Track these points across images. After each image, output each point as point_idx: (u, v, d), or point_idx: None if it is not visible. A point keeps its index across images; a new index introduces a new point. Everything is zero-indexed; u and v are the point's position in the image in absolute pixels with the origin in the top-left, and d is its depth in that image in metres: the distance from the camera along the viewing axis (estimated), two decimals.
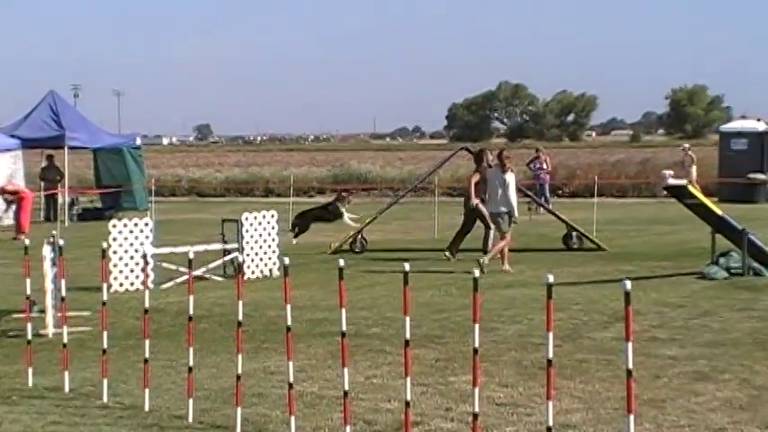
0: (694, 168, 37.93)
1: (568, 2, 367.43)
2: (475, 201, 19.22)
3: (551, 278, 6.29)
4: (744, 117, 43.85)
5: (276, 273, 17.35)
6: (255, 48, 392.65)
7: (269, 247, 17.63)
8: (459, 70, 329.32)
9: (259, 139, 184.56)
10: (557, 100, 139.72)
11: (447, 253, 19.33)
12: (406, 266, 6.85)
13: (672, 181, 17.98)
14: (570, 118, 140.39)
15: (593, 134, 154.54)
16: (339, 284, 7.16)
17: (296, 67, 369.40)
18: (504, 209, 17.74)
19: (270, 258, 17.64)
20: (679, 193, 17.62)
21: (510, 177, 17.81)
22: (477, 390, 6.63)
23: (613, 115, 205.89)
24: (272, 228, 17.77)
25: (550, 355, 6.24)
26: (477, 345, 6.64)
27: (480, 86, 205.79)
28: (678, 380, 9.18)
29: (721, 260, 16.39)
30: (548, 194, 33.43)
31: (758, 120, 40.20)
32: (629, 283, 5.99)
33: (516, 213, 17.97)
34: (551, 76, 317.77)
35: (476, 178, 19.22)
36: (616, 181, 41.52)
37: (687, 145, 42.60)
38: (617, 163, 48.72)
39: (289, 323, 7.42)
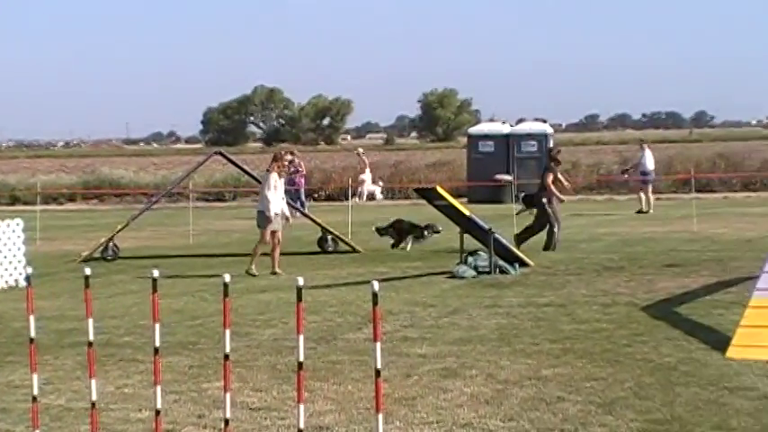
0: (368, 171, 39.87)
1: (321, 5, 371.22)
2: (561, 197, 20.32)
3: (301, 281, 6.30)
4: (492, 120, 45.42)
5: (23, 283, 16.72)
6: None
7: (14, 256, 16.98)
8: (213, 74, 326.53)
9: (4, 145, 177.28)
10: (312, 104, 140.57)
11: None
12: (155, 273, 6.73)
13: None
14: (326, 122, 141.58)
15: (349, 137, 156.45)
16: (85, 293, 6.95)
17: (42, 69, 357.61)
18: (260, 208, 17.78)
19: (15, 268, 16.98)
20: (429, 195, 18.07)
21: (268, 177, 17.78)
22: (228, 395, 6.57)
23: (368, 119, 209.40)
24: (18, 237, 17.12)
25: (301, 358, 6.26)
26: (228, 350, 6.58)
27: (236, 91, 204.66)
28: (428, 377, 9.40)
29: (470, 259, 16.92)
30: (303, 198, 33.64)
31: (503, 122, 41.76)
32: (376, 284, 6.05)
33: (270, 213, 17.66)
34: (306, 81, 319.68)
35: (551, 177, 19.98)
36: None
37: (361, 150, 44.62)
38: (371, 166, 49.50)
39: (32, 334, 7.14)
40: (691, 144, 63.08)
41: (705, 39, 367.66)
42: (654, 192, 31.92)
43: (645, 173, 31.30)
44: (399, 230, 22.01)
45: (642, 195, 30.86)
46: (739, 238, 21.53)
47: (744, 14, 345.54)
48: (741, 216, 26.88)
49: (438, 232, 21.69)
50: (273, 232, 17.68)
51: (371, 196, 41.00)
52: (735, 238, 21.57)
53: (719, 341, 10.42)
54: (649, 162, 31.31)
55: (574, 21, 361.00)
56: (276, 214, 17.62)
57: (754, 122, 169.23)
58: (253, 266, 17.42)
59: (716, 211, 29.18)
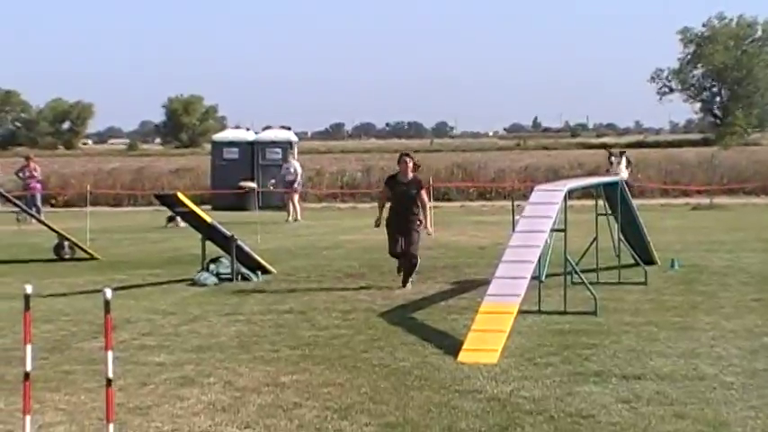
0: None
1: (59, 5, 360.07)
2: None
3: (29, 289, 6.12)
4: (237, 127, 45.31)
5: None
6: None
7: None
8: None
9: None
10: (50, 107, 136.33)
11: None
12: None
13: None
14: (65, 126, 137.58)
15: (90, 142, 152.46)
16: None
17: None
18: None
19: None
20: (169, 202, 17.84)
21: None
22: None
23: (111, 124, 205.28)
24: None
25: (29, 368, 6.08)
26: None
27: None
28: (164, 386, 9.26)
29: (211, 266, 16.81)
30: (39, 204, 32.57)
31: (248, 129, 41.77)
32: (109, 292, 5.96)
33: None
34: (45, 84, 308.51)
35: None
36: (111, 190, 41.33)
37: None
38: (112, 171, 48.52)
39: None
40: (431, 154, 64.83)
41: (446, 57, 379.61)
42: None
43: (293, 182, 32.21)
44: None
45: (290, 204, 31.89)
46: (474, 245, 22.30)
47: (481, 35, 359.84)
48: (476, 224, 27.88)
49: None
50: None
51: None
52: (469, 245, 22.33)
53: (452, 345, 10.75)
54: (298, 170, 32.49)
55: (321, 36, 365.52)
56: None
57: (491, 134, 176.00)
58: None
59: (453, 220, 30.14)
